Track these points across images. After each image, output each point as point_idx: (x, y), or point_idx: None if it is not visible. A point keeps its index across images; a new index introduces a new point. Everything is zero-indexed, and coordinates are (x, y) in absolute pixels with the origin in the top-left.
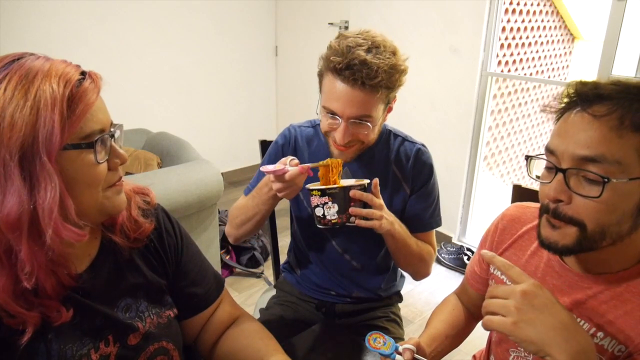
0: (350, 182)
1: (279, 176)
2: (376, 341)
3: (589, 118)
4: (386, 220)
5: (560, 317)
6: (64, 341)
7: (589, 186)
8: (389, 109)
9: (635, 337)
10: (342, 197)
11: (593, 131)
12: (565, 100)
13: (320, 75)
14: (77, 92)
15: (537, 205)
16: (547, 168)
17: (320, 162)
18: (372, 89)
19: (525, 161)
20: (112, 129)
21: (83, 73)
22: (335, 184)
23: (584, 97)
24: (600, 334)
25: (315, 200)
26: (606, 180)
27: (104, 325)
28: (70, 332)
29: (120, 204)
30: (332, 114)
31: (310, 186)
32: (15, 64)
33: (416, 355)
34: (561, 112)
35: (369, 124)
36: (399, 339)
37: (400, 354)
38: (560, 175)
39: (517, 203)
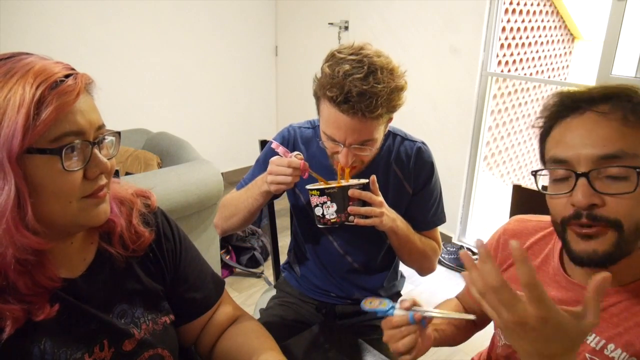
0: (350, 181)
1: (279, 158)
2: (372, 303)
3: (595, 117)
4: (387, 217)
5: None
6: (57, 345)
7: (617, 184)
8: (389, 120)
9: None
10: (340, 196)
11: (604, 129)
12: (556, 109)
13: (317, 98)
14: (50, 94)
15: (537, 218)
16: (561, 180)
17: (329, 185)
18: (373, 119)
19: (532, 177)
20: (101, 135)
21: (68, 75)
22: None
23: (581, 101)
24: (610, 346)
25: (314, 200)
26: (639, 170)
27: (99, 330)
28: (65, 336)
29: (98, 217)
30: (333, 140)
31: (309, 186)
32: (1, 62)
33: (415, 307)
34: (553, 121)
35: (371, 147)
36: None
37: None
38: (583, 180)
39: (516, 217)
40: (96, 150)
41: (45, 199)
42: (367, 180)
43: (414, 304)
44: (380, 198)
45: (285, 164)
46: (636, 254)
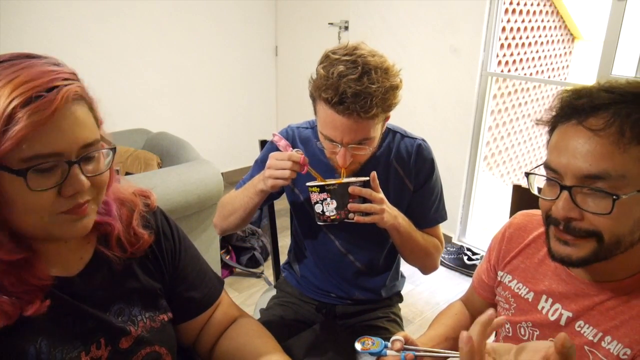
0: (350, 179)
1: (279, 153)
2: (365, 344)
3: (587, 133)
4: (388, 213)
5: None
6: (54, 344)
7: (598, 201)
8: (386, 119)
9: None
10: (340, 193)
11: (594, 146)
12: (557, 112)
13: (313, 99)
14: (21, 111)
15: None
16: (549, 184)
17: (327, 181)
18: (368, 118)
19: (525, 178)
20: (86, 152)
21: (52, 88)
22: None
23: (579, 110)
24: (607, 338)
25: (314, 197)
26: (615, 197)
27: (96, 328)
28: (61, 335)
29: (75, 232)
30: (331, 140)
31: (310, 183)
32: (5, 64)
33: (406, 346)
34: (554, 124)
35: (368, 146)
36: None
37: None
38: (566, 194)
39: (523, 211)
40: (76, 170)
41: (16, 211)
42: (367, 178)
43: (406, 341)
44: (381, 195)
45: (286, 158)
46: (631, 251)
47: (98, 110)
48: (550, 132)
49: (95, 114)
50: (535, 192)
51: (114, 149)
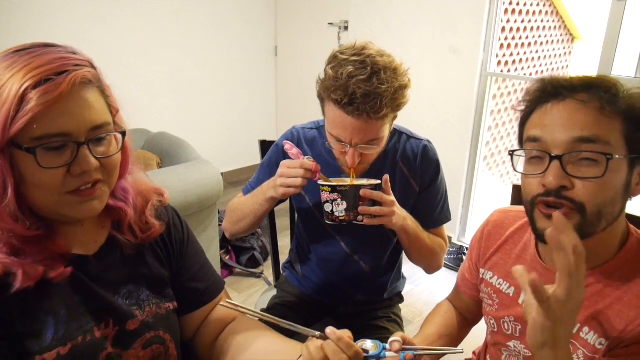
0: (362, 181)
1: (291, 161)
2: (362, 348)
3: (576, 104)
4: (397, 215)
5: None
6: (70, 316)
7: (587, 168)
8: (394, 118)
9: (614, 330)
10: (352, 195)
11: (583, 114)
12: (537, 93)
13: (321, 100)
14: (31, 92)
15: (518, 208)
16: (536, 158)
17: (339, 181)
18: (378, 119)
19: (509, 157)
20: (95, 135)
21: (62, 73)
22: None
23: (565, 87)
24: (585, 329)
25: (324, 196)
26: (609, 157)
27: (105, 309)
28: (78, 309)
29: (82, 213)
30: (340, 140)
31: (322, 182)
32: (15, 54)
33: (404, 346)
34: (534, 106)
35: (377, 146)
36: None
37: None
38: (556, 163)
39: (499, 208)
40: (86, 151)
41: (29, 188)
42: (379, 181)
43: (403, 342)
44: (392, 197)
45: (298, 166)
46: (603, 236)
47: (113, 98)
48: (526, 116)
49: (108, 100)
50: (520, 170)
51: (123, 133)
